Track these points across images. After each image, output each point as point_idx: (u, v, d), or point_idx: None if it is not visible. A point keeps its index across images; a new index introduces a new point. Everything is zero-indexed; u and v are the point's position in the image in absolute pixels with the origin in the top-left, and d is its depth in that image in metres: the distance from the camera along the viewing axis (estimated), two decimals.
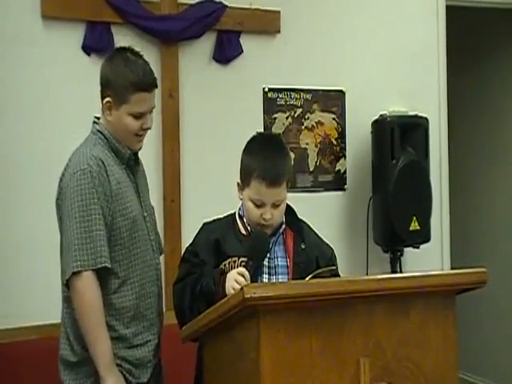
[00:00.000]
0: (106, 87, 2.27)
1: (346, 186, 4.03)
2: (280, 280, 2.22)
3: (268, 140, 2.41)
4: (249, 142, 2.31)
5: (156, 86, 2.33)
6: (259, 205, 2.20)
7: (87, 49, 3.42)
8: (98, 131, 2.31)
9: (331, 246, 2.41)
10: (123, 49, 2.36)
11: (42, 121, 3.34)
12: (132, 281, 2.26)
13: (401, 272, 3.90)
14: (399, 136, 3.83)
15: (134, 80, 2.23)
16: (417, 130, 3.92)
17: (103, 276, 2.18)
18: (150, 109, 2.31)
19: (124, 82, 2.23)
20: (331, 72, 3.99)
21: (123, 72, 2.24)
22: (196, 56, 3.65)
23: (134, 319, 2.27)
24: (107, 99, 2.27)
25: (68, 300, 2.23)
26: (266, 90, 3.82)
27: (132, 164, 2.36)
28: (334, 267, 2.29)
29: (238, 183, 2.29)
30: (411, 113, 4.00)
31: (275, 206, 2.20)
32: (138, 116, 2.26)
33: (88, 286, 2.13)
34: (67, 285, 2.16)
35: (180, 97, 3.53)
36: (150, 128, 2.34)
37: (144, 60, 2.34)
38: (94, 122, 2.35)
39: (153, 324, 2.34)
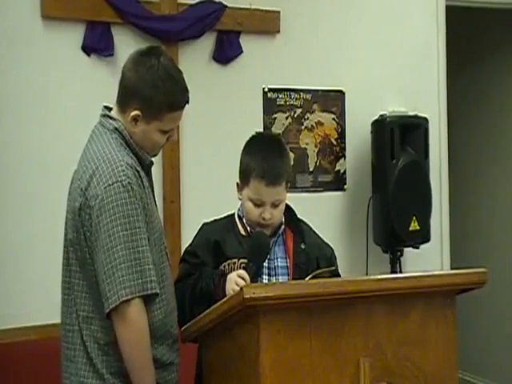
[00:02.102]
0: (135, 99, 2.02)
1: (345, 186, 4.03)
2: (280, 281, 2.22)
3: (267, 139, 2.41)
4: (248, 142, 2.31)
5: None
6: (258, 204, 2.20)
7: (87, 49, 3.42)
8: (116, 129, 2.05)
9: (331, 245, 2.41)
10: (155, 53, 2.07)
11: (41, 121, 3.33)
12: (161, 298, 2.03)
13: (401, 272, 3.90)
14: (399, 136, 3.83)
15: (172, 100, 2.03)
16: (417, 130, 3.91)
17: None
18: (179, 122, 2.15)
19: (162, 100, 2.01)
20: (331, 72, 3.98)
21: (162, 89, 2.01)
22: (196, 56, 3.65)
23: (161, 338, 2.06)
24: (136, 112, 2.02)
25: (89, 321, 2.00)
26: (266, 90, 3.82)
27: (149, 168, 2.16)
28: (333, 267, 2.29)
29: (237, 183, 2.29)
30: (411, 113, 4.00)
31: (274, 205, 2.20)
32: (167, 131, 2.08)
33: (138, 315, 1.90)
34: (109, 312, 1.90)
35: None
36: (175, 140, 2.18)
37: (180, 70, 2.13)
38: (108, 116, 2.08)
39: (175, 341, 2.14)
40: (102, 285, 1.91)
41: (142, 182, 1.99)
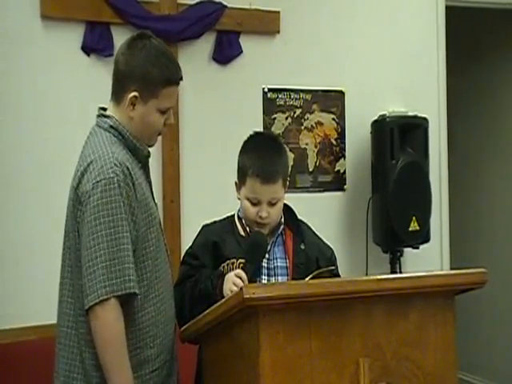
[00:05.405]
0: (132, 80, 2.05)
1: (345, 187, 4.03)
2: (280, 281, 2.22)
3: (264, 138, 2.42)
4: (245, 141, 2.32)
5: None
6: (255, 203, 2.20)
7: (87, 49, 3.42)
8: (112, 127, 2.07)
9: (331, 246, 2.41)
10: (145, 36, 2.12)
11: (41, 121, 3.34)
12: (153, 296, 2.04)
13: (400, 272, 3.90)
14: (399, 136, 3.83)
15: (168, 74, 2.07)
16: (416, 131, 3.92)
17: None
18: (175, 103, 2.17)
19: (158, 74, 2.04)
20: (331, 72, 3.98)
21: (156, 64, 2.05)
22: (196, 56, 3.65)
23: (155, 338, 2.05)
24: (134, 94, 2.04)
25: (80, 325, 2.00)
26: (266, 90, 3.82)
27: (147, 161, 2.17)
28: (333, 267, 2.29)
29: (235, 183, 2.29)
30: (411, 113, 4.00)
31: (271, 204, 2.20)
32: (164, 111, 2.09)
33: (114, 315, 1.89)
34: (87, 310, 1.91)
35: (180, 97, 3.52)
36: (172, 123, 2.20)
37: (170, 51, 2.19)
38: (103, 116, 2.11)
39: (171, 340, 2.13)
40: (83, 281, 1.93)
41: (131, 179, 1.99)
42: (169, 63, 2.10)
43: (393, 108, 4.02)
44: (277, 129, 3.84)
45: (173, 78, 2.10)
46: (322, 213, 3.87)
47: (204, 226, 2.36)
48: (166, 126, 2.16)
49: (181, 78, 2.14)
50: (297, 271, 2.23)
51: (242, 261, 2.17)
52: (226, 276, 2.13)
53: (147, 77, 2.04)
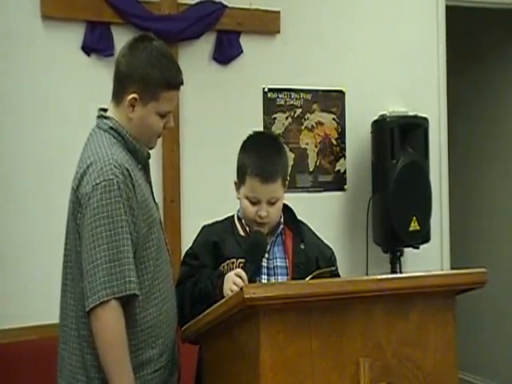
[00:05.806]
0: (132, 81, 2.04)
1: (345, 186, 4.03)
2: (279, 281, 2.22)
3: (263, 138, 2.42)
4: (245, 141, 2.32)
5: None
6: (254, 202, 2.20)
7: (87, 49, 3.42)
8: (111, 128, 2.06)
9: (331, 246, 2.41)
10: (147, 38, 2.11)
11: (41, 121, 3.34)
12: (154, 296, 2.04)
13: (401, 272, 3.90)
14: (399, 136, 3.83)
15: (168, 77, 2.05)
16: (417, 130, 3.91)
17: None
18: (175, 107, 2.17)
19: (158, 76, 2.03)
20: (331, 72, 3.98)
21: (156, 65, 2.04)
22: (196, 56, 3.65)
23: (157, 338, 2.06)
24: (133, 95, 2.04)
25: (82, 327, 1.99)
26: (266, 90, 3.82)
27: (147, 162, 2.17)
28: (333, 267, 2.29)
29: (235, 182, 2.29)
30: (411, 113, 4.00)
31: (271, 203, 2.20)
32: (163, 115, 2.09)
33: (115, 316, 1.90)
34: (88, 312, 1.91)
35: (180, 97, 3.52)
36: (171, 127, 2.19)
37: (171, 53, 2.20)
38: (103, 117, 2.11)
39: (173, 341, 2.13)
40: (84, 283, 1.93)
41: (131, 180, 1.98)
42: (169, 65, 2.09)
43: (393, 108, 4.02)
44: (277, 129, 3.84)
45: (173, 80, 2.08)
46: (321, 213, 3.87)
47: (204, 227, 2.36)
48: (166, 129, 2.16)
49: (181, 83, 2.13)
50: (296, 271, 2.23)
51: (242, 260, 2.17)
52: (226, 275, 2.13)
53: (147, 78, 2.04)
